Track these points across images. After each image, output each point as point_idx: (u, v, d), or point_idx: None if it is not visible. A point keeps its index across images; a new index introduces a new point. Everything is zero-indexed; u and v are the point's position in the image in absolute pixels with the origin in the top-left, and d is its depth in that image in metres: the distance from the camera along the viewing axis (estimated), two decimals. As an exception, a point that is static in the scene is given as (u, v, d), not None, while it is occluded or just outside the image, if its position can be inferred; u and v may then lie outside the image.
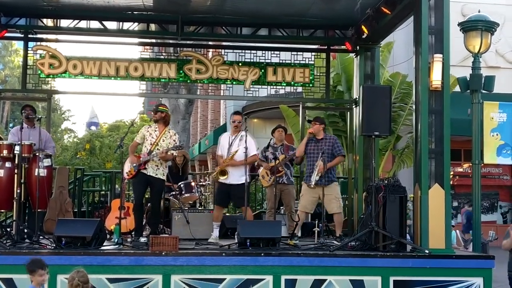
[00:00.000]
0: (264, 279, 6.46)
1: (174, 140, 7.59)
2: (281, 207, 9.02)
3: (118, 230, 7.12)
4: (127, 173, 7.51)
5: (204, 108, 29.35)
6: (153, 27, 9.78)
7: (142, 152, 7.58)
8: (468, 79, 7.92)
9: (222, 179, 7.66)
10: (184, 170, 9.37)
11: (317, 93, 10.38)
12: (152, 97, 11.49)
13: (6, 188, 7.22)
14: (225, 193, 7.75)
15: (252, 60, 9.72)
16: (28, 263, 5.06)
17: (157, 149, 7.47)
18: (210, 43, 11.41)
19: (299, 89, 10.78)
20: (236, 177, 7.64)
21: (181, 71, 9.55)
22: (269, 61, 9.73)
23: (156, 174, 7.50)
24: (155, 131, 7.64)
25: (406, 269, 6.62)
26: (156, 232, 7.55)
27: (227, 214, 9.54)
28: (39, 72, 9.41)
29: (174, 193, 8.60)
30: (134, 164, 7.44)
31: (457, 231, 12.45)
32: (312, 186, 7.74)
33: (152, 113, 7.77)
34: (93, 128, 33.64)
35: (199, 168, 28.06)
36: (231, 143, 7.74)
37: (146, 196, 8.05)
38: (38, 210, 7.26)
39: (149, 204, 7.96)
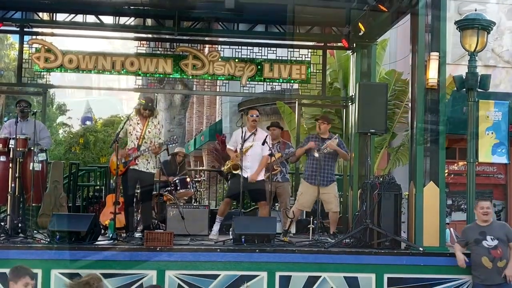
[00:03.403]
0: (259, 275, 6.46)
1: (159, 129, 7.55)
2: (276, 204, 9.02)
3: (112, 225, 7.10)
4: (115, 169, 7.41)
5: (200, 104, 29.26)
6: (149, 22, 9.76)
7: (129, 147, 7.45)
8: (464, 77, 7.93)
9: (235, 173, 7.61)
10: (182, 169, 9.33)
11: (314, 90, 10.36)
12: (148, 92, 11.46)
13: (1, 182, 7.20)
14: (242, 187, 7.55)
15: (248, 56, 9.72)
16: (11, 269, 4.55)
17: (145, 142, 7.40)
18: (207, 38, 11.38)
19: (296, 85, 10.76)
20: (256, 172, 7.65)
21: (177, 67, 9.53)
22: (265, 57, 9.73)
23: (147, 169, 7.46)
24: (138, 123, 7.50)
25: (400, 266, 6.64)
26: (149, 226, 7.52)
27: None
28: (35, 66, 9.38)
29: (169, 188, 8.58)
30: (124, 161, 7.36)
31: (451, 229, 12.48)
32: (320, 152, 7.88)
33: (147, 110, 7.46)
34: (88, 123, 33.49)
35: (195, 164, 28.01)
36: (246, 138, 7.65)
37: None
38: (33, 204, 7.25)
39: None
